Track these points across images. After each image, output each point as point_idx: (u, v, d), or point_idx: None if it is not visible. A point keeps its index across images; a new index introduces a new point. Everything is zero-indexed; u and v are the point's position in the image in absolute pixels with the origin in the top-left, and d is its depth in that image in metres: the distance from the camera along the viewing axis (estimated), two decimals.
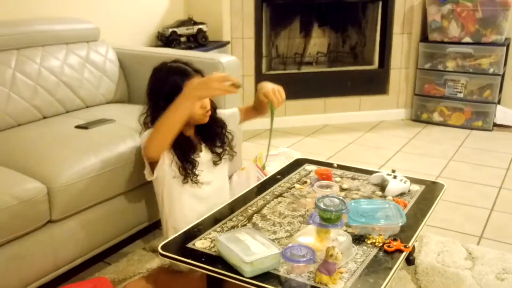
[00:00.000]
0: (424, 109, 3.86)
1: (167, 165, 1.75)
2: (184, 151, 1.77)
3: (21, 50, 2.20)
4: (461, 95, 3.70)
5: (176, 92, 1.67)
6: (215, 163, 1.86)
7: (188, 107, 1.65)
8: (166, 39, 3.18)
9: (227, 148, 1.90)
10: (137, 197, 2.00)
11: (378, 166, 2.96)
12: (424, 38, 3.77)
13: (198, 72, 1.80)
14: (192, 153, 1.79)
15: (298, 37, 3.97)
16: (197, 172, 1.78)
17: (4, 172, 1.68)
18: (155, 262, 1.97)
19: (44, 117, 2.21)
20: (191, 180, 1.77)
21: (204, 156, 1.83)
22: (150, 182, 1.87)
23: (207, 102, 1.79)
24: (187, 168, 1.76)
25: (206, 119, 1.81)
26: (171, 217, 1.82)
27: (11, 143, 1.91)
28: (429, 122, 3.83)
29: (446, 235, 2.21)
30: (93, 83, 2.42)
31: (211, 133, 1.88)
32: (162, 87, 1.75)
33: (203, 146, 1.85)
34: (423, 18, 3.74)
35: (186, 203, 1.80)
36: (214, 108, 1.89)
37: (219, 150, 1.87)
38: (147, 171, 1.79)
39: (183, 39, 3.24)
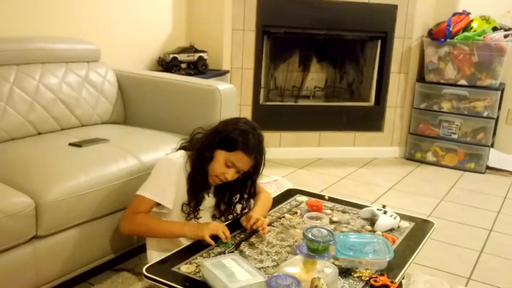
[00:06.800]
0: (418, 148, 3.88)
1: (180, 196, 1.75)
2: (197, 185, 1.75)
3: (20, 66, 2.22)
4: (455, 136, 3.73)
5: (225, 140, 1.70)
6: (214, 216, 1.82)
7: (182, 236, 1.69)
8: (167, 65, 3.21)
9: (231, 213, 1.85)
10: None
11: (369, 202, 2.95)
12: (420, 78, 3.82)
13: (260, 139, 1.74)
14: (202, 191, 1.77)
15: (297, 71, 4.03)
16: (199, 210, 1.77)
17: None
18: (139, 286, 1.94)
19: (39, 133, 2.21)
20: (195, 217, 1.76)
21: (208, 201, 1.80)
22: None
23: (229, 176, 1.72)
24: (190, 203, 1.74)
25: (213, 183, 1.77)
26: (161, 241, 1.80)
27: (2, 157, 1.90)
28: (423, 161, 3.85)
29: (434, 274, 2.19)
30: (90, 103, 2.43)
31: (228, 186, 1.81)
32: (221, 130, 1.74)
33: (211, 190, 1.81)
34: (421, 59, 3.81)
35: None
36: (253, 187, 1.83)
37: (223, 207, 1.82)
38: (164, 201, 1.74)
39: (183, 65, 3.28)
